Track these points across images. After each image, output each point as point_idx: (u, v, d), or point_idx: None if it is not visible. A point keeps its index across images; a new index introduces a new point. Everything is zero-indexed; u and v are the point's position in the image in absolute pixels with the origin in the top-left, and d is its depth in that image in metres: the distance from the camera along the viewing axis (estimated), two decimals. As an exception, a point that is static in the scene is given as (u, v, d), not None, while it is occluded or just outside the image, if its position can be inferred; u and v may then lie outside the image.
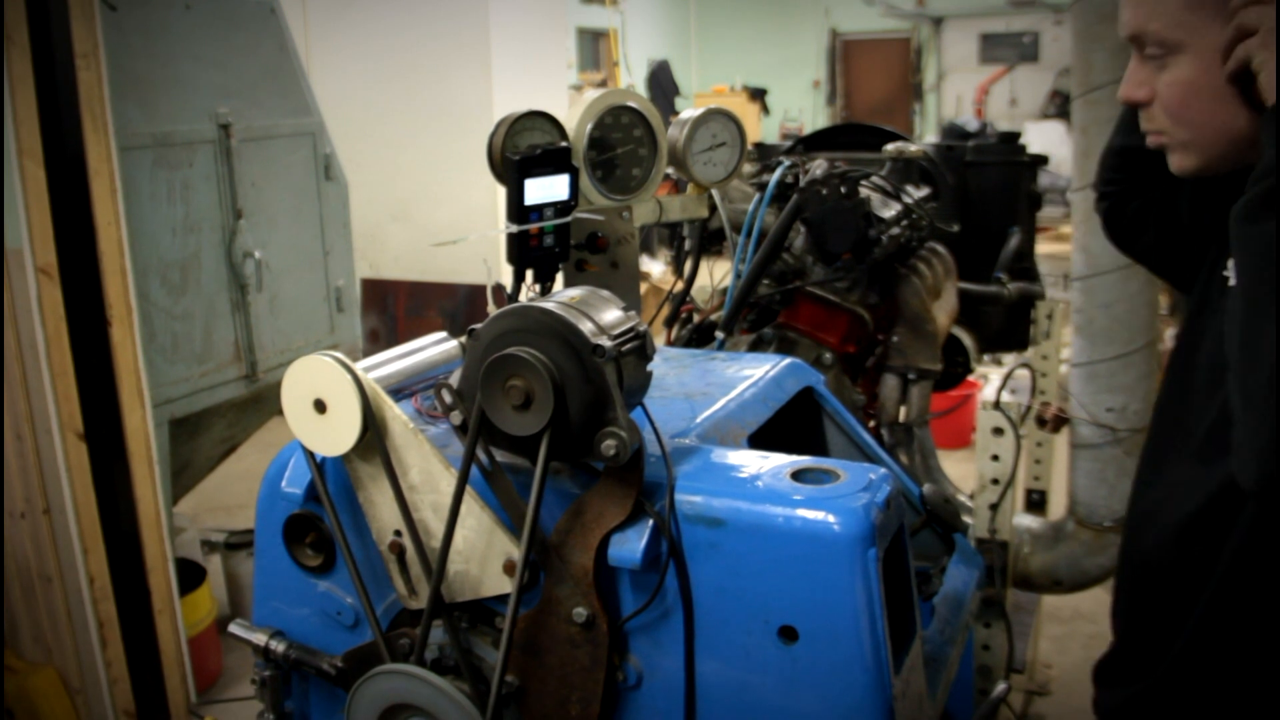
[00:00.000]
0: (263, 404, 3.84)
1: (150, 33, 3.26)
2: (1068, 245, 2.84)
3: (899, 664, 1.33)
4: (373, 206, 6.02)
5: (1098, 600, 3.82)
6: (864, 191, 2.59)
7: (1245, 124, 1.23)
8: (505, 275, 1.90)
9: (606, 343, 1.26)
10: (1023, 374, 3.13)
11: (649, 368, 1.38)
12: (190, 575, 3.68)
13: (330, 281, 3.97)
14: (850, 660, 1.24)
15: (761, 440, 1.65)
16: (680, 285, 2.67)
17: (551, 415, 1.26)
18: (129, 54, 3.16)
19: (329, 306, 3.97)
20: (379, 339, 6.30)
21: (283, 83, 3.73)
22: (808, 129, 13.83)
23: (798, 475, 1.33)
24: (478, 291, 6.05)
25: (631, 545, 1.30)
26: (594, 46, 14.34)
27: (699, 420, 1.59)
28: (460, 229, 5.81)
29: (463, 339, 1.63)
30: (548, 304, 1.30)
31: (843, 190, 2.46)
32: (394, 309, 6.34)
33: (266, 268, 3.60)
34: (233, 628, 1.62)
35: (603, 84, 12.69)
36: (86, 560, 3.00)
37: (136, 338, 3.02)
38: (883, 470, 1.35)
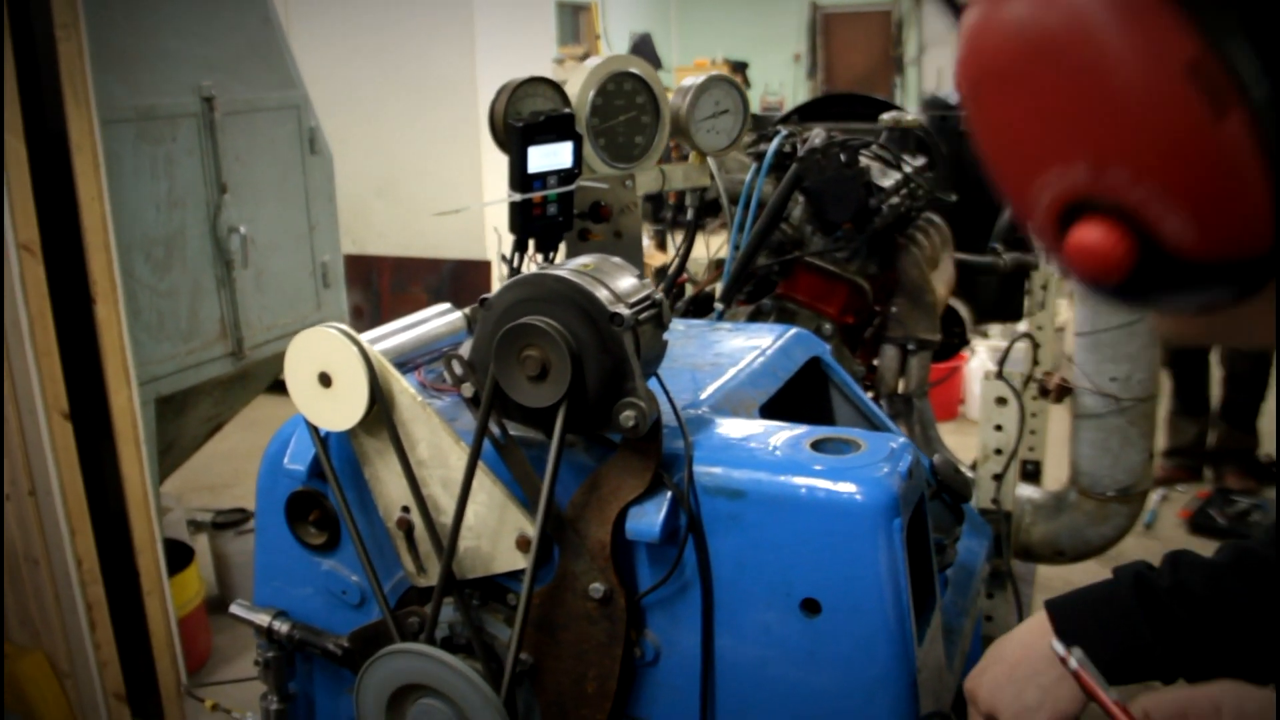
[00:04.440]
0: (249, 381, 3.78)
1: (132, 5, 3.19)
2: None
3: (921, 635, 1.31)
4: (357, 182, 5.94)
5: (1089, 573, 3.82)
6: (864, 160, 2.56)
7: None
8: (494, 247, 1.86)
9: (624, 311, 1.22)
10: (1019, 344, 3.11)
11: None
12: (177, 556, 3.64)
13: (316, 257, 3.91)
14: (874, 632, 1.22)
15: (768, 412, 1.62)
16: (672, 258, 2.64)
17: (569, 386, 1.22)
18: (110, 26, 3.08)
19: (315, 282, 3.91)
20: (363, 315, 6.24)
21: (266, 55, 3.66)
22: (788, 103, 13.77)
23: (818, 445, 1.30)
24: (462, 266, 5.99)
25: (650, 518, 1.27)
26: (574, 20, 14.24)
27: (709, 392, 1.56)
28: (445, 204, 5.75)
29: (469, 310, 1.60)
30: (562, 272, 1.26)
31: (843, 159, 2.43)
32: (378, 285, 6.28)
33: (252, 243, 3.53)
34: (234, 608, 1.58)
35: (584, 58, 12.58)
36: (74, 542, 2.95)
37: (121, 315, 2.96)
38: (903, 439, 1.32)
